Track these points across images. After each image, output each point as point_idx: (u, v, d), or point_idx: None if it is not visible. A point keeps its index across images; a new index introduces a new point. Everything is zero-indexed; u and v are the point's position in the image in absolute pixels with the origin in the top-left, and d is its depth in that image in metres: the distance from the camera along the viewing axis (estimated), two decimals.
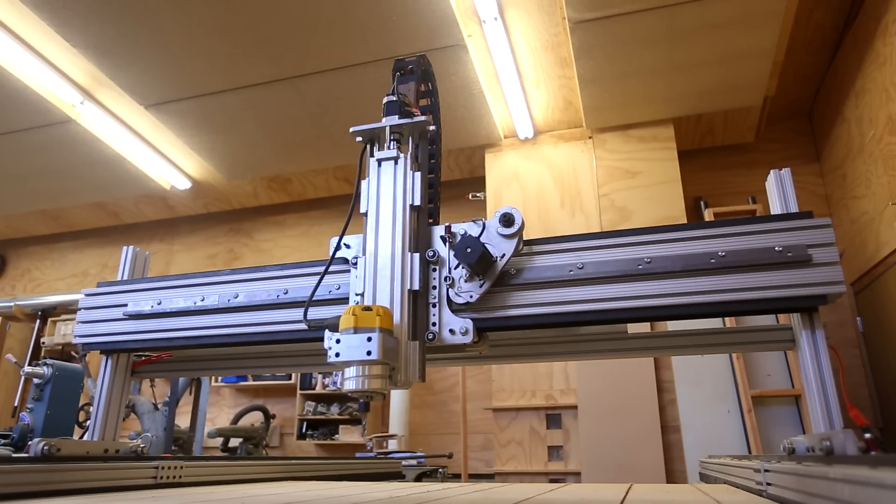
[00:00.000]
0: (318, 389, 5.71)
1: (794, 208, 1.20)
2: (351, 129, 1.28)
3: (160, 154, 5.49)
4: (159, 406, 3.88)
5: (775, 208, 1.23)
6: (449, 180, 6.02)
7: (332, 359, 1.01)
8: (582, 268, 1.16)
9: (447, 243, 1.19)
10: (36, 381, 3.26)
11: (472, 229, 1.18)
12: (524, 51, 4.28)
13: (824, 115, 4.95)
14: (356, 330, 1.01)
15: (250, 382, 6.10)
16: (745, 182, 5.21)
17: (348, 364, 1.01)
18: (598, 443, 4.20)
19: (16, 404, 4.94)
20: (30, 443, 1.32)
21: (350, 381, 1.01)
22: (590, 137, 5.04)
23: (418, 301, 1.16)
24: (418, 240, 1.20)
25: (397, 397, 5.28)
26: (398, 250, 1.17)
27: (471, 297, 1.15)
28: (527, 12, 3.93)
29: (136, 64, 4.17)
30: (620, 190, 4.80)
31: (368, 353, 0.99)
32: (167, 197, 6.42)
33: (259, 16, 3.76)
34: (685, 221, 4.55)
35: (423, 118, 1.26)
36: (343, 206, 6.41)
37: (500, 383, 4.70)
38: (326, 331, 1.14)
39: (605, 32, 3.84)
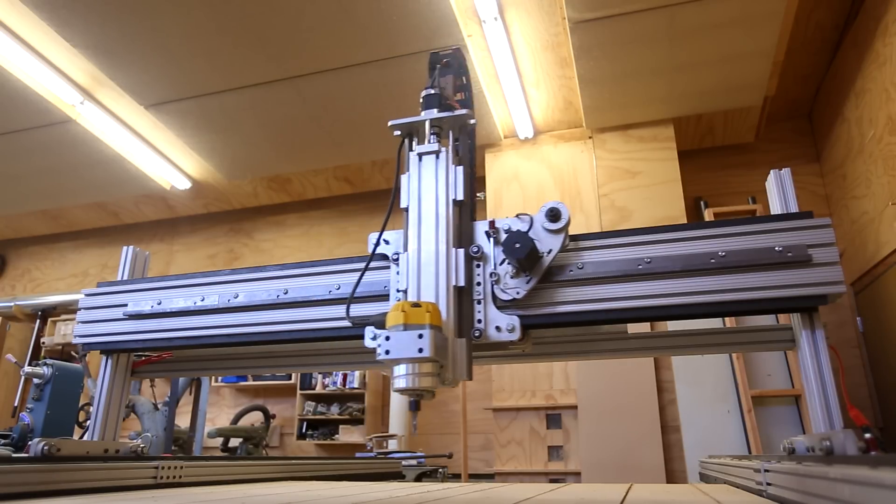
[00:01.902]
0: (318, 389, 5.71)
1: (794, 208, 1.20)
2: (389, 123, 1.26)
3: (160, 154, 5.49)
4: (159, 406, 3.88)
5: (775, 208, 1.23)
6: None
7: (381, 356, 0.99)
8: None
9: (491, 239, 1.17)
10: (36, 381, 3.26)
11: (518, 224, 1.16)
12: (524, 51, 4.28)
13: (824, 115, 4.95)
14: (406, 327, 0.99)
15: (250, 382, 6.10)
16: (745, 182, 5.21)
17: (398, 362, 0.99)
18: (598, 443, 4.20)
19: (16, 404, 4.94)
20: (30, 443, 1.32)
21: (400, 379, 0.99)
22: (590, 137, 5.04)
23: (463, 298, 1.14)
24: (461, 235, 1.18)
25: (397, 397, 5.28)
26: (442, 246, 1.15)
27: (517, 293, 1.13)
28: (527, 12, 3.93)
29: (136, 64, 4.17)
30: (620, 190, 4.80)
31: (420, 350, 0.97)
32: (167, 197, 6.42)
33: (259, 16, 3.76)
34: (685, 221, 4.55)
35: (464, 111, 1.23)
36: (343, 207, 6.41)
37: (500, 383, 4.70)
38: (370, 328, 1.12)
39: (605, 32, 3.84)
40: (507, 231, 1.14)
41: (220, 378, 6.02)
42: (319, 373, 5.63)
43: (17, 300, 5.74)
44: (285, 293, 1.33)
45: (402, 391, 1.00)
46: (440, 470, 3.89)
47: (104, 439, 1.47)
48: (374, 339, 1.11)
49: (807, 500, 0.85)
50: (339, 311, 1.30)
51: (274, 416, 5.55)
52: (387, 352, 0.98)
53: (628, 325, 1.32)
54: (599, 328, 1.37)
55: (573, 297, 1.15)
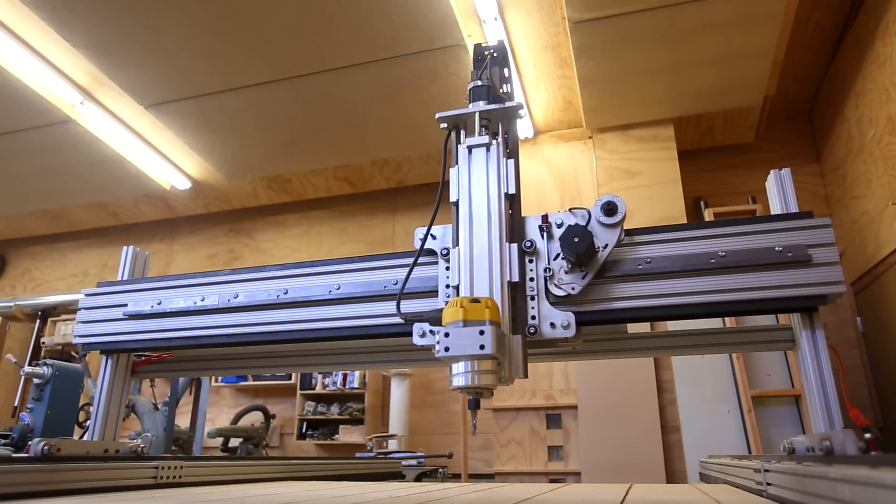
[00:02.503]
0: (318, 389, 5.71)
1: (794, 208, 1.20)
2: (437, 115, 1.24)
3: (160, 154, 5.49)
4: (159, 406, 3.88)
5: (775, 208, 1.23)
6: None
7: (440, 353, 0.96)
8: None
9: (544, 233, 1.15)
10: (36, 381, 3.26)
11: (572, 219, 1.13)
12: (524, 51, 4.28)
13: (824, 115, 4.95)
14: (465, 323, 0.96)
15: (250, 382, 6.10)
16: (745, 182, 5.21)
17: (458, 359, 0.96)
18: (598, 443, 4.20)
19: (16, 404, 4.94)
20: (30, 443, 1.32)
21: (459, 377, 0.96)
22: (590, 137, 5.04)
23: (517, 293, 1.11)
24: (513, 230, 1.16)
25: (397, 397, 5.28)
26: (495, 240, 1.12)
27: (572, 288, 1.11)
28: (527, 12, 3.93)
29: (136, 64, 4.17)
30: (620, 190, 4.80)
31: (482, 346, 0.94)
32: (167, 197, 6.42)
33: (259, 16, 3.76)
34: (685, 221, 4.55)
35: (514, 103, 1.21)
36: (343, 207, 6.41)
37: None
38: (420, 324, 1.10)
39: (605, 32, 3.84)
40: (560, 225, 1.12)
41: (220, 378, 6.02)
42: (319, 373, 5.63)
43: (17, 300, 5.74)
44: (285, 293, 1.33)
45: (461, 389, 0.97)
46: (440, 470, 3.89)
47: (104, 439, 1.47)
48: (422, 336, 1.09)
49: (807, 500, 0.85)
50: (340, 310, 1.30)
51: (274, 416, 5.55)
52: (446, 349, 0.95)
53: (628, 325, 1.32)
54: (599, 328, 1.37)
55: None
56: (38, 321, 5.72)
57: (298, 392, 5.75)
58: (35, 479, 1.19)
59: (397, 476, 3.11)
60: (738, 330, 1.31)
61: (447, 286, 1.14)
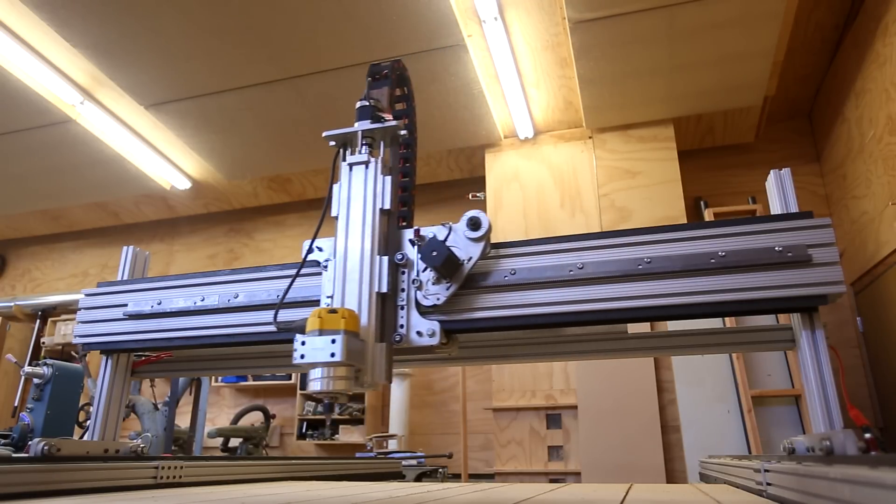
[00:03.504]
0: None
1: (794, 208, 1.20)
2: (324, 134, 1.29)
3: (160, 154, 5.49)
4: (159, 406, 3.88)
5: (775, 208, 1.23)
6: (449, 180, 6.02)
7: (296, 360, 1.03)
8: (582, 268, 1.16)
9: (416, 246, 1.21)
10: (36, 381, 3.26)
11: (440, 233, 1.19)
12: (524, 51, 4.28)
13: (824, 115, 4.95)
14: (321, 332, 1.03)
15: (250, 382, 6.10)
16: (745, 182, 5.21)
17: (313, 365, 1.03)
18: (598, 443, 4.20)
19: (16, 404, 4.94)
20: (30, 443, 1.32)
21: (315, 382, 1.03)
22: (590, 137, 5.04)
23: (386, 303, 1.17)
24: (388, 243, 1.22)
25: (397, 397, 5.28)
26: (367, 253, 1.19)
27: (438, 299, 1.17)
28: (527, 12, 3.93)
29: (136, 64, 4.17)
30: (620, 190, 4.80)
31: (332, 354, 1.01)
32: (167, 197, 6.42)
33: (259, 16, 3.76)
34: (685, 221, 4.55)
35: (394, 122, 1.27)
36: None
37: (500, 383, 4.70)
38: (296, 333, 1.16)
39: (605, 32, 3.84)
40: (430, 239, 1.17)
41: (220, 378, 6.02)
42: None
43: (17, 300, 5.74)
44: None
45: (316, 394, 1.03)
46: (440, 470, 3.89)
47: (104, 439, 1.47)
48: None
49: (807, 500, 0.85)
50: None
51: (274, 416, 5.55)
52: (302, 356, 1.03)
53: (628, 325, 1.32)
54: (599, 328, 1.37)
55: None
56: (38, 321, 5.72)
57: (298, 392, 5.76)
58: (35, 479, 1.19)
59: (397, 476, 3.11)
60: (738, 330, 1.31)
61: (327, 296, 1.20)
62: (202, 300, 1.40)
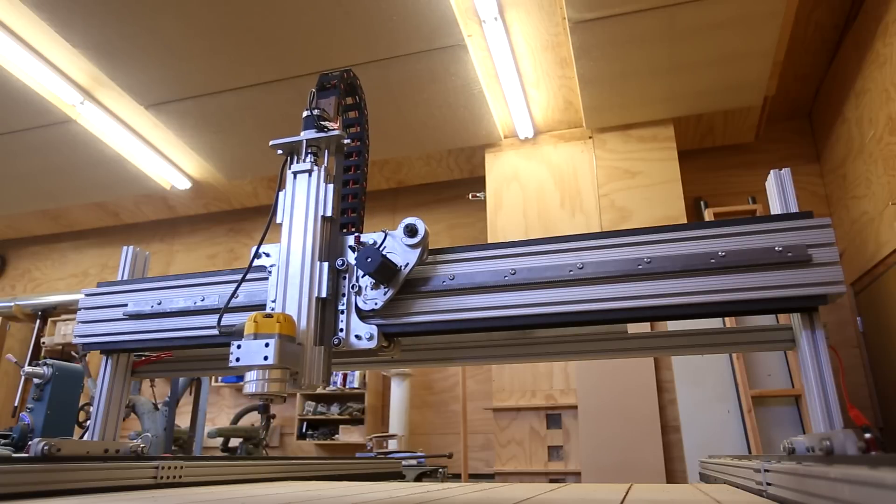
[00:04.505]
0: (319, 389, 5.71)
1: (794, 208, 1.20)
2: (270, 143, 1.33)
3: (160, 154, 5.49)
4: (159, 406, 3.88)
5: (775, 208, 1.23)
6: (449, 180, 6.02)
7: (232, 363, 1.05)
8: (583, 267, 1.16)
9: (356, 252, 1.23)
10: (36, 381, 3.26)
11: (378, 239, 1.22)
12: (524, 51, 4.28)
13: (824, 115, 4.95)
14: (256, 336, 1.06)
15: None
16: (745, 182, 5.21)
17: (249, 368, 1.05)
18: (598, 443, 4.20)
19: (16, 404, 4.94)
20: (30, 443, 1.32)
21: (250, 384, 1.05)
22: (590, 137, 5.04)
23: (326, 308, 1.20)
24: (330, 249, 1.25)
25: (397, 397, 5.28)
26: (308, 259, 1.22)
27: (376, 304, 1.20)
28: (527, 12, 3.93)
29: (136, 64, 4.17)
30: (620, 190, 4.80)
31: (266, 357, 1.03)
32: (167, 197, 6.42)
33: (259, 16, 3.76)
34: (685, 221, 4.55)
35: (336, 132, 1.30)
36: None
37: (500, 383, 4.70)
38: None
39: (605, 32, 3.84)
40: (365, 246, 1.20)
41: (220, 378, 6.02)
42: None
43: (17, 300, 5.74)
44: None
45: (252, 395, 1.06)
46: (440, 470, 3.89)
47: (104, 439, 1.47)
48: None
49: (807, 500, 0.85)
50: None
51: (274, 416, 5.55)
52: (237, 359, 1.05)
53: (628, 325, 1.32)
54: (599, 328, 1.37)
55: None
56: (38, 321, 5.72)
57: (298, 392, 5.75)
58: (35, 479, 1.19)
59: (397, 476, 3.11)
60: (738, 330, 1.31)
61: (271, 301, 1.23)
62: (202, 300, 1.40)
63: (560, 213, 4.93)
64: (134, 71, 4.24)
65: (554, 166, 5.07)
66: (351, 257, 1.24)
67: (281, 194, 1.30)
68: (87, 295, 1.54)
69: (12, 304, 5.72)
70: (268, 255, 1.30)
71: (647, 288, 1.12)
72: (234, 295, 1.27)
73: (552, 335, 1.40)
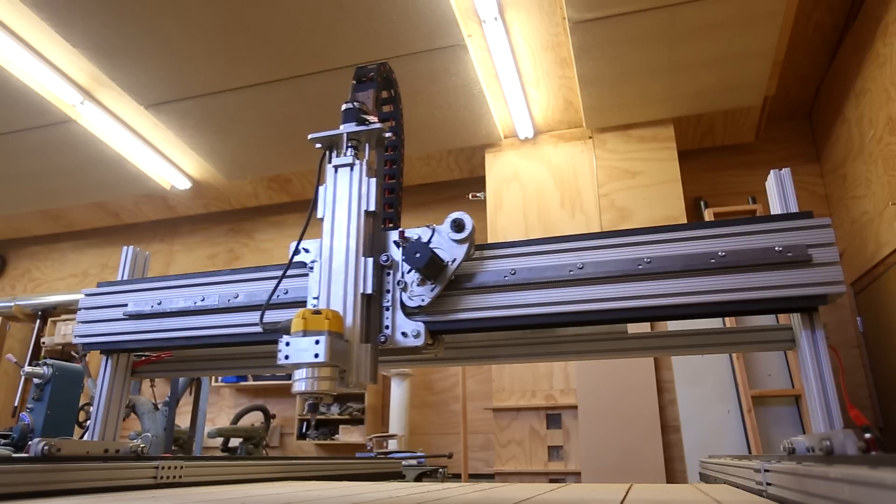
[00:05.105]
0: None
1: (794, 208, 1.20)
2: (309, 137, 1.30)
3: (160, 154, 5.49)
4: (159, 406, 3.88)
5: (775, 208, 1.23)
6: (449, 180, 6.02)
7: (281, 361, 1.03)
8: (582, 267, 1.16)
9: (400, 248, 1.21)
10: (36, 381, 3.26)
11: (424, 234, 1.20)
12: (524, 51, 4.28)
13: (824, 115, 4.95)
14: (305, 333, 1.03)
15: (250, 382, 6.10)
16: (745, 182, 5.21)
17: (298, 366, 1.03)
18: (598, 443, 4.20)
19: (16, 404, 4.94)
20: (30, 443, 1.32)
21: (299, 382, 1.03)
22: (590, 137, 5.04)
23: (371, 304, 1.18)
24: (373, 244, 1.22)
25: (397, 397, 5.28)
26: (352, 254, 1.19)
27: (422, 300, 1.18)
28: (527, 12, 3.93)
29: (136, 64, 4.17)
30: (620, 190, 4.80)
31: (316, 355, 1.01)
32: (167, 197, 6.42)
33: (259, 16, 3.76)
34: (685, 221, 4.55)
35: (378, 125, 1.28)
36: None
37: (500, 383, 4.70)
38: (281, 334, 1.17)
39: (605, 32, 3.84)
40: (413, 241, 1.18)
41: (220, 378, 6.02)
42: None
43: (17, 300, 5.75)
44: (286, 293, 1.33)
45: (301, 394, 1.04)
46: (440, 470, 3.89)
47: (104, 439, 1.47)
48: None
49: (807, 500, 0.85)
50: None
51: (274, 416, 5.55)
52: (286, 357, 1.03)
53: (628, 325, 1.32)
54: (599, 328, 1.37)
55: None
56: (38, 321, 5.72)
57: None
58: (35, 479, 1.19)
59: (397, 476, 3.11)
60: (738, 330, 1.31)
61: (313, 297, 1.21)
62: (202, 300, 1.40)
63: (560, 213, 4.93)
64: (134, 71, 4.24)
65: (554, 166, 5.07)
66: (395, 252, 1.22)
67: (321, 189, 1.27)
68: (87, 295, 1.54)
69: (12, 304, 5.72)
70: (307, 250, 1.28)
71: (647, 288, 1.13)
72: (275, 290, 1.25)
73: (553, 335, 1.40)
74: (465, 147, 5.30)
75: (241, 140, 5.09)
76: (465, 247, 1.17)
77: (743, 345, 1.40)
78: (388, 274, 1.21)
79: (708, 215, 4.86)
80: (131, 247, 1.67)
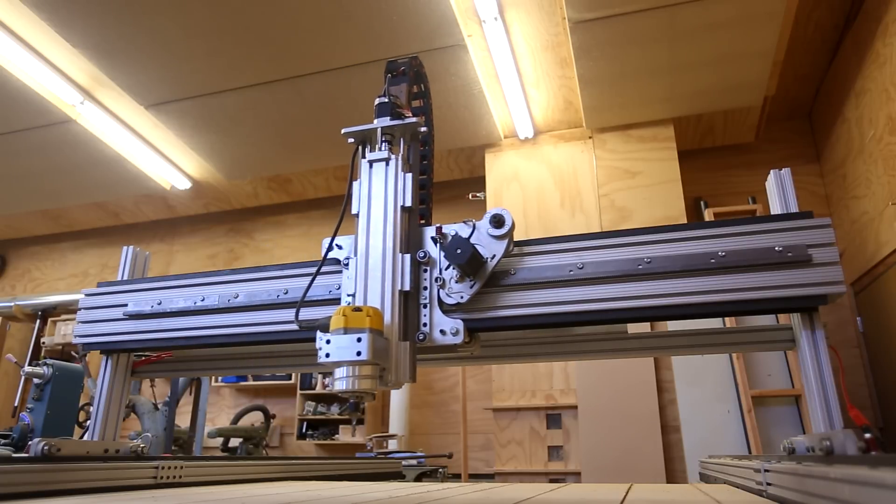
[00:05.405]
0: (318, 389, 5.71)
1: (794, 208, 1.20)
2: (343, 131, 1.28)
3: (160, 154, 5.49)
4: (159, 406, 3.88)
5: (775, 208, 1.23)
6: (449, 180, 6.02)
7: (322, 359, 1.01)
8: (582, 268, 1.16)
9: (438, 244, 1.19)
10: (36, 381, 3.26)
11: (463, 230, 1.18)
12: (524, 51, 4.28)
13: (824, 115, 4.95)
14: (346, 330, 1.01)
15: (250, 382, 6.10)
16: (745, 182, 5.21)
17: (339, 364, 1.02)
18: (598, 443, 4.20)
19: (16, 404, 4.94)
20: (30, 443, 1.32)
21: (341, 381, 1.01)
22: (590, 137, 5.04)
23: (409, 302, 1.16)
24: (409, 241, 1.20)
25: (397, 397, 5.28)
26: (389, 251, 1.17)
27: (461, 297, 1.16)
28: (527, 12, 3.93)
29: (136, 64, 4.17)
30: (620, 190, 4.80)
31: (358, 353, 0.99)
32: (167, 197, 6.42)
33: (259, 16, 3.76)
34: (685, 221, 4.55)
35: (414, 119, 1.25)
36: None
37: (500, 383, 4.70)
38: (318, 331, 1.15)
39: (605, 32, 3.84)
40: (453, 237, 1.16)
41: (220, 378, 6.02)
42: (319, 373, 5.64)
43: (17, 300, 5.75)
44: (285, 293, 1.33)
45: (342, 393, 1.02)
46: (440, 470, 3.89)
47: (104, 439, 1.47)
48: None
49: (807, 500, 0.85)
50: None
51: (274, 416, 5.55)
52: (327, 355, 1.01)
53: (628, 325, 1.32)
54: (599, 328, 1.37)
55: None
56: (38, 321, 5.72)
57: (298, 392, 5.76)
58: (35, 479, 1.19)
59: (397, 476, 3.11)
60: (738, 330, 1.31)
61: (348, 294, 1.19)
62: (202, 300, 1.40)
63: (560, 213, 4.93)
64: (134, 71, 4.24)
65: (554, 166, 5.07)
66: (432, 249, 1.20)
67: (356, 184, 1.24)
68: (87, 295, 1.54)
69: (12, 304, 5.72)
70: (340, 247, 1.25)
71: (647, 288, 1.12)
72: (310, 287, 1.22)
73: (552, 335, 1.40)
74: (465, 147, 5.30)
75: (240, 140, 5.09)
76: (504, 243, 1.16)
77: (743, 345, 1.40)
78: (425, 271, 1.19)
79: (708, 215, 4.86)
80: (131, 247, 1.67)
